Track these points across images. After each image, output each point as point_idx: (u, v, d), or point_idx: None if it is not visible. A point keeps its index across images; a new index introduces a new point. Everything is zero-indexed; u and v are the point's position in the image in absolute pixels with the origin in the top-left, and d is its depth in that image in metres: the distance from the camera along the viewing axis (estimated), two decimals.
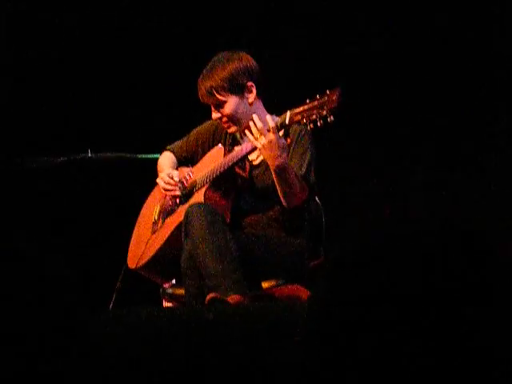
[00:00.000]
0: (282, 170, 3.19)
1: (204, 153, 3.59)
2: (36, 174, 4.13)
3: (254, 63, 3.42)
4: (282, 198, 3.27)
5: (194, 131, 3.67)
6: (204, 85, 3.38)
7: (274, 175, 3.22)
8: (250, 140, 3.25)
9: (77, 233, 4.75)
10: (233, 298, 3.03)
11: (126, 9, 4.84)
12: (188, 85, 3.56)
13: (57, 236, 4.54)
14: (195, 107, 3.59)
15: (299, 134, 3.38)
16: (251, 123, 3.22)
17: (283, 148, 3.17)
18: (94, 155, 4.02)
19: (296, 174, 3.26)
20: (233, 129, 3.46)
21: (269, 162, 3.21)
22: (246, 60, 3.41)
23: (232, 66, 3.38)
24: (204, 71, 3.42)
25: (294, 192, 3.25)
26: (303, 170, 3.33)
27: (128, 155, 4.06)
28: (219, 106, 3.40)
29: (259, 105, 3.45)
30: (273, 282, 3.28)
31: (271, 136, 3.15)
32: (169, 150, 3.71)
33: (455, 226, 1.06)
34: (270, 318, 2.42)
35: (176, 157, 3.68)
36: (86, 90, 4.82)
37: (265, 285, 3.28)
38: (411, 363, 0.98)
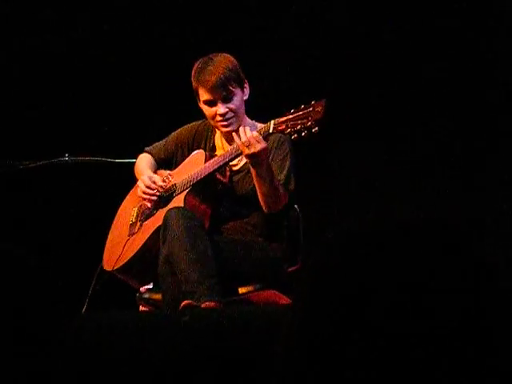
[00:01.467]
0: (266, 175, 3.16)
1: (183, 156, 3.56)
2: (13, 177, 4.09)
3: None
4: (263, 203, 3.24)
5: (174, 134, 3.63)
6: (217, 75, 3.29)
7: (257, 180, 3.19)
8: (238, 146, 3.19)
9: (53, 235, 4.71)
10: (207, 305, 3.00)
11: (110, 12, 4.82)
12: (168, 89, 3.54)
13: (33, 238, 4.50)
14: (174, 111, 3.57)
15: (279, 140, 3.36)
16: (241, 129, 3.17)
17: (266, 153, 3.15)
18: (71, 159, 4.00)
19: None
20: (233, 126, 3.35)
21: (253, 169, 3.17)
22: (234, 58, 3.39)
23: (231, 59, 3.35)
24: (206, 66, 3.31)
25: (276, 197, 3.23)
26: (283, 175, 3.31)
27: (105, 159, 4.04)
28: (228, 99, 3.33)
29: None
30: (250, 288, 3.27)
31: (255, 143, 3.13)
32: (147, 151, 3.67)
33: (444, 227, 1.04)
34: (245, 322, 2.40)
35: (154, 159, 3.64)
36: (64, 94, 4.80)
37: (242, 290, 3.27)
38: (400, 364, 0.96)
